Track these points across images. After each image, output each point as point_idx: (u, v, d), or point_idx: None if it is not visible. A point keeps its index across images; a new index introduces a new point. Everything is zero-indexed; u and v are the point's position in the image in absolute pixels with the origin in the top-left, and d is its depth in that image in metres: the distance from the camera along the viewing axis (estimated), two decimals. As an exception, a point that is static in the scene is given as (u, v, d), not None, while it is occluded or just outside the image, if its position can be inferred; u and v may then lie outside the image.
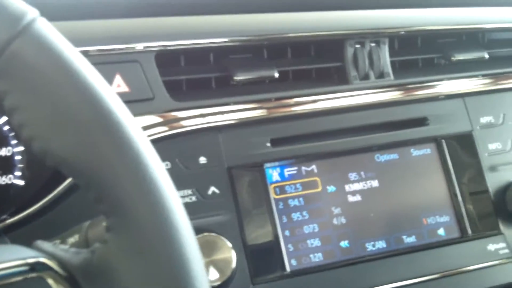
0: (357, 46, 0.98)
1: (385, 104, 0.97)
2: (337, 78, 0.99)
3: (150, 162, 0.54)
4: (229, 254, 0.83)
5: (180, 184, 0.85)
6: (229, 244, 0.83)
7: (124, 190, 0.52)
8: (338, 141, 0.94)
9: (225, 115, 0.89)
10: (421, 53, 1.05)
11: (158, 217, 0.53)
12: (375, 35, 0.99)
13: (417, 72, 1.03)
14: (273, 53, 0.98)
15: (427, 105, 0.99)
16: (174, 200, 0.56)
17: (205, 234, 0.83)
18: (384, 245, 0.92)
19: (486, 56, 1.06)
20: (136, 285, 0.52)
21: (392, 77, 0.99)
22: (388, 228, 0.93)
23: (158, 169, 0.55)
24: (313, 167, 0.92)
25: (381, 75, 0.99)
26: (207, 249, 0.82)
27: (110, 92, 0.55)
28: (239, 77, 0.91)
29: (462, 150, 0.99)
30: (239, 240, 0.86)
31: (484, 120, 1.01)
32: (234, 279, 0.84)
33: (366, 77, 0.98)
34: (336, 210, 0.92)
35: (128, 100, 0.85)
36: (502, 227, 0.97)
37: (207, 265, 0.81)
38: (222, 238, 0.83)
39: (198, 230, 0.83)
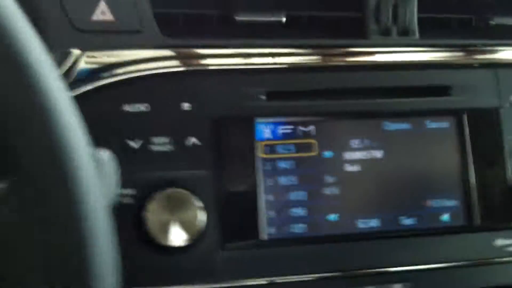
0: (381, -3, 0.86)
1: (404, 66, 0.86)
2: (354, 31, 0.87)
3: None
4: (197, 214, 0.75)
5: (157, 129, 0.77)
6: (199, 203, 0.75)
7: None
8: (343, 102, 0.83)
9: (218, 58, 0.79)
10: (455, 12, 0.92)
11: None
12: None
13: (447, 33, 0.91)
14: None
15: (452, 72, 0.87)
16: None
17: (174, 189, 0.75)
18: (378, 224, 0.83)
19: (529, 23, 0.93)
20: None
21: (417, 35, 0.87)
22: (385, 206, 0.83)
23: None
24: (311, 128, 0.82)
25: (405, 32, 0.87)
26: (173, 205, 0.74)
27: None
28: (241, 17, 0.81)
29: (485, 128, 0.87)
30: (214, 199, 0.77)
31: (516, 97, 0.89)
32: (202, 242, 0.76)
33: (387, 32, 0.86)
34: (330, 179, 0.82)
35: (112, 30, 0.78)
36: (516, 221, 0.86)
37: (172, 223, 0.74)
38: (192, 195, 0.75)
39: (168, 183, 0.75)
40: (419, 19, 0.88)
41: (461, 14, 0.92)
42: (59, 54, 0.74)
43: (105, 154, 0.61)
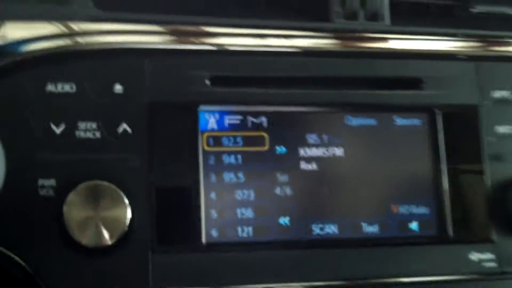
0: (349, -25, 0.77)
1: (370, 55, 0.77)
2: (317, 13, 0.78)
3: None
4: (123, 210, 0.65)
5: (84, 114, 0.68)
6: (126, 199, 0.65)
7: None
8: (300, 92, 0.74)
9: (157, 36, 0.71)
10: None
11: None
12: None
13: (422, 20, 0.81)
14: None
15: (426, 63, 0.77)
16: None
17: (98, 181, 0.65)
18: (336, 231, 0.73)
19: (517, 13, 0.83)
20: None
21: (388, 21, 0.78)
22: (344, 210, 0.73)
23: None
24: (263, 119, 0.73)
25: (374, 16, 0.78)
26: (97, 200, 0.65)
27: None
28: (188, -9, 0.73)
29: (461, 127, 0.77)
30: (145, 195, 0.68)
31: (498, 94, 0.78)
32: (129, 242, 0.66)
33: (353, 16, 0.77)
34: (282, 178, 0.72)
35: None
36: (494, 233, 0.75)
37: (94, 220, 0.64)
38: (118, 189, 0.66)
39: (92, 174, 0.66)
40: (393, 4, 0.79)
41: (440, 0, 0.83)
42: (-26, 23, 0.66)
43: None
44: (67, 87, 0.67)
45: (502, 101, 0.78)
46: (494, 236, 0.75)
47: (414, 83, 0.77)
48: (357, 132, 0.75)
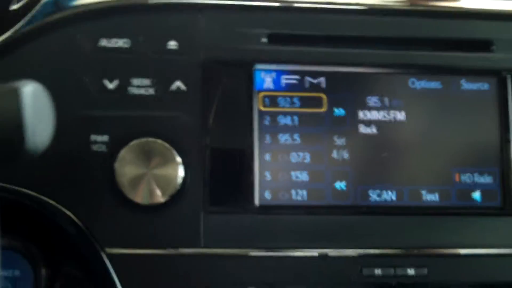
0: None
1: (438, 14, 0.72)
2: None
3: None
4: (175, 169, 0.64)
5: (137, 70, 0.66)
6: (179, 157, 0.64)
7: None
8: (362, 52, 0.71)
9: (214, -10, 0.69)
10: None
11: None
12: None
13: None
14: None
15: (497, 24, 0.73)
16: None
17: (151, 139, 0.64)
18: (394, 198, 0.70)
19: None
20: None
21: (457, -22, 0.74)
22: (404, 177, 0.70)
23: None
24: (321, 79, 0.70)
25: (443, -25, 0.74)
26: (149, 157, 0.64)
27: None
28: None
29: None
30: (198, 154, 0.67)
31: None
32: (181, 201, 0.66)
33: (422, -26, 0.73)
34: (339, 141, 0.70)
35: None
36: (560, 206, 0.72)
37: (146, 178, 0.64)
38: (171, 147, 0.65)
39: (145, 132, 0.65)
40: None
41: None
42: (30, -25, 0.65)
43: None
44: (121, 42, 0.66)
45: None
46: (560, 209, 0.71)
47: (484, 45, 0.73)
48: (421, 96, 0.71)
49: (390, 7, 0.72)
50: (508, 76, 0.72)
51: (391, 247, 0.70)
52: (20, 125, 0.51)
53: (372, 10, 0.71)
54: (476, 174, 0.71)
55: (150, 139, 0.65)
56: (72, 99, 0.65)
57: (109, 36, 0.66)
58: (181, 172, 0.65)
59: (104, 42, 0.66)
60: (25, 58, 0.65)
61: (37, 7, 0.65)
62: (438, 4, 0.73)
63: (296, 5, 0.70)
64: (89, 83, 0.65)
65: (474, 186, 0.71)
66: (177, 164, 0.64)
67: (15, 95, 0.51)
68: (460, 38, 0.72)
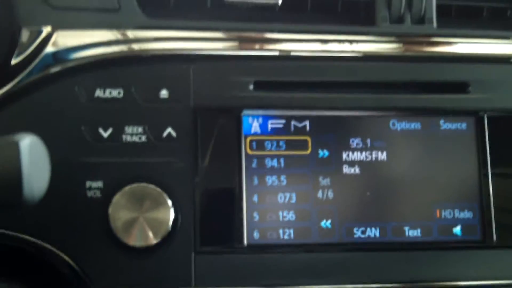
0: (395, -22, 0.76)
1: (416, 59, 0.76)
2: (363, 17, 0.78)
3: None
4: (167, 212, 0.68)
5: (131, 118, 0.70)
6: (170, 201, 0.68)
7: None
8: (345, 96, 0.74)
9: (203, 43, 0.72)
10: (482, 0, 0.81)
11: None
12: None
13: (470, 23, 0.80)
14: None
15: (472, 67, 0.77)
16: None
17: (143, 184, 0.68)
18: (377, 234, 0.73)
19: None
20: None
21: (434, 24, 0.77)
22: (387, 214, 0.74)
23: None
24: (306, 123, 0.74)
25: (420, 20, 0.77)
26: (142, 202, 0.68)
27: None
28: (231, -2, 0.74)
29: (508, 131, 0.76)
30: (188, 197, 0.70)
31: (547, 97, 0.77)
32: (173, 243, 0.69)
33: (399, 20, 0.77)
34: (324, 181, 0.73)
35: (88, 7, 0.71)
36: (539, 238, 0.75)
37: (138, 221, 0.67)
38: (163, 192, 0.68)
39: (138, 177, 0.69)
40: (442, 6, 0.78)
41: (493, 3, 0.81)
42: (29, 32, 0.69)
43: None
44: (115, 93, 0.70)
45: (552, 104, 0.77)
46: (539, 241, 0.74)
47: (460, 87, 0.76)
48: (402, 136, 0.75)
49: (369, 53, 0.76)
50: (485, 116, 0.76)
51: (376, 282, 0.73)
52: (18, 175, 0.55)
53: (351, 57, 0.75)
54: (456, 210, 0.75)
55: (143, 184, 0.68)
56: (69, 147, 0.69)
57: (104, 86, 0.70)
58: (172, 214, 0.68)
59: (99, 93, 0.70)
60: (25, 110, 0.69)
61: (37, 60, 0.69)
62: (415, 49, 0.76)
63: (277, 53, 0.74)
64: (85, 132, 0.69)
65: (455, 221, 0.74)
66: (168, 207, 0.68)
67: (14, 148, 0.55)
68: (438, 81, 0.76)
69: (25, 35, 0.69)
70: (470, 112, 0.76)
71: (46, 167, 0.61)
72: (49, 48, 0.69)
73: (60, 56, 0.70)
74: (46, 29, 0.69)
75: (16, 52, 0.68)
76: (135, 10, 0.72)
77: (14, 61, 0.69)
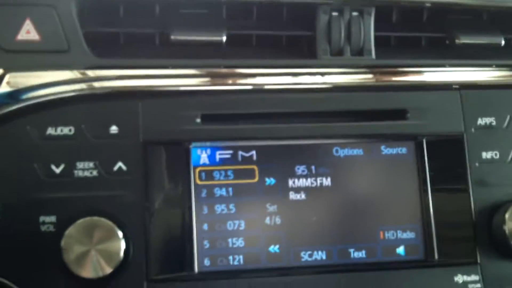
0: (334, 14, 0.80)
1: (356, 88, 0.80)
2: (306, 51, 0.82)
3: None
4: (117, 243, 0.70)
5: (82, 154, 0.73)
6: (121, 232, 0.70)
7: None
8: (288, 126, 0.78)
9: (150, 80, 0.75)
10: (418, 30, 0.85)
11: None
12: (357, 3, 0.80)
13: (408, 53, 0.84)
14: (237, 13, 0.82)
15: (410, 94, 0.81)
16: None
17: (94, 217, 0.70)
18: (324, 257, 0.76)
19: (502, 42, 0.85)
20: None
21: (373, 55, 0.81)
22: (332, 238, 0.77)
23: None
24: (253, 153, 0.77)
25: (359, 52, 0.81)
26: (93, 234, 0.70)
27: None
28: (177, 36, 0.77)
29: (446, 154, 0.80)
30: (141, 228, 0.73)
31: (482, 121, 0.81)
32: (125, 273, 0.71)
33: (340, 52, 0.80)
34: (271, 208, 0.77)
35: (38, 50, 0.74)
36: (479, 255, 0.78)
37: (90, 253, 0.69)
38: (113, 224, 0.70)
39: (90, 211, 0.71)
40: (381, 37, 0.82)
41: (425, 32, 0.86)
42: (-19, 74, 0.72)
43: None
44: (66, 130, 0.73)
45: (487, 127, 0.81)
46: (479, 258, 0.78)
47: (400, 114, 0.80)
48: (345, 162, 0.78)
49: (310, 85, 0.79)
50: (423, 140, 0.80)
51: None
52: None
53: (293, 89, 0.79)
54: (399, 231, 0.78)
55: (94, 218, 0.70)
56: (22, 184, 0.71)
57: (55, 125, 0.73)
58: (123, 245, 0.70)
59: (50, 131, 0.72)
60: (-21, 148, 0.72)
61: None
62: (354, 79, 0.80)
63: (221, 88, 0.77)
64: (37, 169, 0.72)
65: (398, 242, 0.78)
66: (119, 239, 0.70)
67: None
68: (377, 108, 0.80)
69: (-23, 77, 0.72)
70: (409, 137, 0.80)
71: None
72: (2, 89, 0.72)
73: (12, 96, 0.72)
74: (-1, 71, 0.73)
75: (-31, 94, 0.71)
76: (84, 50, 0.74)
77: (-31, 101, 0.72)
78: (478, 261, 0.78)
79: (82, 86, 0.74)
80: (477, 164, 0.80)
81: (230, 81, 0.77)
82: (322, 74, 0.79)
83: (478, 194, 0.79)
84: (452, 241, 0.78)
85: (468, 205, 0.79)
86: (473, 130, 0.81)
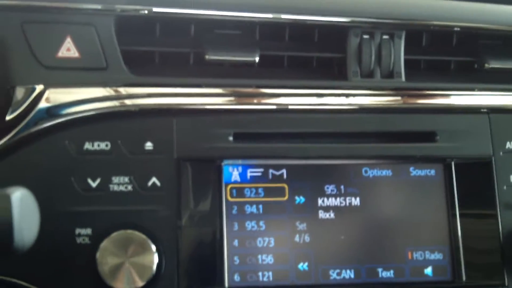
0: (365, 36, 0.82)
1: (386, 110, 0.82)
2: (337, 73, 0.84)
3: None
4: (151, 257, 0.72)
5: (117, 169, 0.75)
6: (154, 246, 0.72)
7: None
8: (319, 146, 0.79)
9: (185, 98, 0.77)
10: (447, 54, 0.87)
11: None
12: (387, 26, 0.82)
13: (438, 76, 0.86)
14: (269, 34, 0.84)
15: (439, 117, 0.82)
16: None
17: (129, 231, 0.72)
18: (352, 276, 0.77)
19: (532, 67, 0.86)
20: None
21: (403, 78, 0.82)
22: (361, 257, 0.78)
23: None
24: (283, 171, 0.79)
25: (389, 74, 0.82)
26: (128, 248, 0.71)
27: None
28: (212, 56, 0.79)
29: (475, 177, 0.81)
30: (173, 242, 0.74)
31: (511, 145, 0.82)
32: (157, 286, 0.73)
33: (370, 74, 0.82)
34: (301, 226, 0.78)
35: (77, 67, 0.77)
36: (507, 278, 0.79)
37: (124, 266, 0.71)
38: (147, 238, 0.72)
39: (124, 224, 0.73)
40: (411, 61, 0.84)
41: (455, 56, 0.87)
42: (23, 89, 0.74)
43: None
44: (103, 145, 0.75)
45: (516, 151, 0.82)
46: (507, 281, 0.79)
47: (428, 136, 0.81)
48: (373, 183, 0.80)
49: (342, 106, 0.81)
50: (452, 163, 0.81)
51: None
52: (9, 226, 0.60)
53: (327, 109, 0.80)
54: (427, 252, 0.79)
55: (129, 231, 0.72)
56: (60, 197, 0.73)
57: (92, 140, 0.75)
58: (156, 259, 0.72)
59: (88, 146, 0.74)
60: (19, 162, 0.73)
61: (30, 115, 0.74)
62: (385, 101, 0.81)
63: (257, 106, 0.79)
64: (74, 183, 0.74)
65: (426, 262, 0.79)
66: (152, 252, 0.72)
67: (6, 201, 0.60)
68: (407, 130, 0.81)
69: (19, 93, 0.74)
70: (438, 159, 0.81)
71: (35, 217, 0.66)
72: (42, 105, 0.74)
73: (51, 112, 0.74)
74: (39, 87, 0.74)
75: (10, 109, 0.73)
76: (121, 68, 0.77)
77: (8, 117, 0.74)
78: (506, 283, 0.78)
79: (119, 103, 0.76)
80: (505, 187, 0.81)
81: (261, 101, 0.79)
82: (347, 95, 0.81)
83: (506, 217, 0.80)
84: (480, 263, 0.79)
85: (496, 228, 0.79)
86: (501, 153, 0.82)
